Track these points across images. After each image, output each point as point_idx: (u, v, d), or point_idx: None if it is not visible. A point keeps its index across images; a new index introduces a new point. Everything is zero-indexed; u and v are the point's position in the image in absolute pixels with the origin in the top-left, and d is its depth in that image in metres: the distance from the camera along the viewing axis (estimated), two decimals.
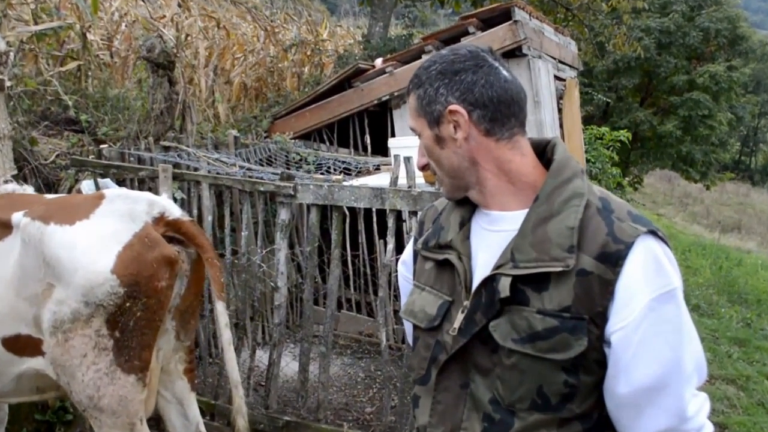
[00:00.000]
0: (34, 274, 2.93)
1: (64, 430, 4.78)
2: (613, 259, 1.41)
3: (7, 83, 4.76)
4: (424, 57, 6.56)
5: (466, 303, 1.53)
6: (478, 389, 1.53)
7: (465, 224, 1.62)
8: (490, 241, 1.56)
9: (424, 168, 1.68)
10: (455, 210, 1.67)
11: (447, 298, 1.60)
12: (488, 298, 1.49)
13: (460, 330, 1.53)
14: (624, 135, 11.55)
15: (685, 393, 1.43)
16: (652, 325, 1.40)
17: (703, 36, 16.33)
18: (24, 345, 3.04)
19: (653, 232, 1.45)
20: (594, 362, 1.45)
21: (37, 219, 2.96)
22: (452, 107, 1.52)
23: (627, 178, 17.10)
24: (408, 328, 1.85)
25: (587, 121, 14.11)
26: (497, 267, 1.49)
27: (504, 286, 1.45)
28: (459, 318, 1.54)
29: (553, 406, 1.46)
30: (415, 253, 1.79)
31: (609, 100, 14.91)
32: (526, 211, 1.51)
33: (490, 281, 1.49)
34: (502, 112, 1.53)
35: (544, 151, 1.61)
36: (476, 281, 1.54)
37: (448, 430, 1.57)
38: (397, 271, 4.40)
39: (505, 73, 1.55)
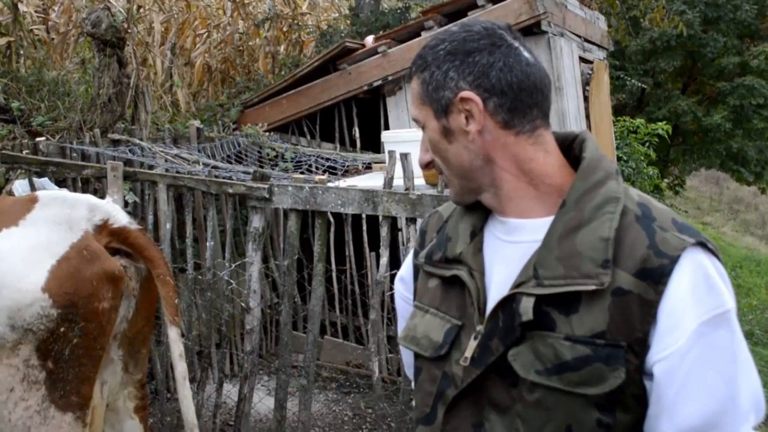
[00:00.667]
0: None
1: None
2: (656, 276, 1.38)
3: None
4: (425, 34, 6.59)
5: (480, 328, 1.50)
6: (494, 430, 1.49)
7: (477, 234, 1.59)
8: (508, 254, 1.53)
9: (427, 166, 1.64)
10: (465, 217, 1.64)
11: (456, 322, 1.56)
12: (507, 322, 1.45)
13: (473, 360, 1.49)
14: (663, 128, 11.53)
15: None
16: (701, 354, 1.36)
17: (758, 10, 16.28)
18: None
19: (702, 244, 1.41)
20: (632, 397, 1.41)
21: None
22: (464, 94, 1.49)
23: (666, 180, 17.12)
24: (407, 357, 1.81)
25: (619, 111, 14.10)
26: (517, 285, 1.45)
27: (526, 308, 1.41)
28: (471, 345, 1.50)
29: None
30: (416, 268, 1.76)
31: (645, 86, 14.91)
32: (550, 218, 1.48)
33: (509, 302, 1.45)
34: (522, 101, 1.49)
35: (570, 148, 1.58)
36: (492, 302, 1.50)
37: None
38: (392, 290, 4.39)
39: (526, 54, 1.51)
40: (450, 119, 1.51)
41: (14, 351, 2.82)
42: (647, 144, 11.16)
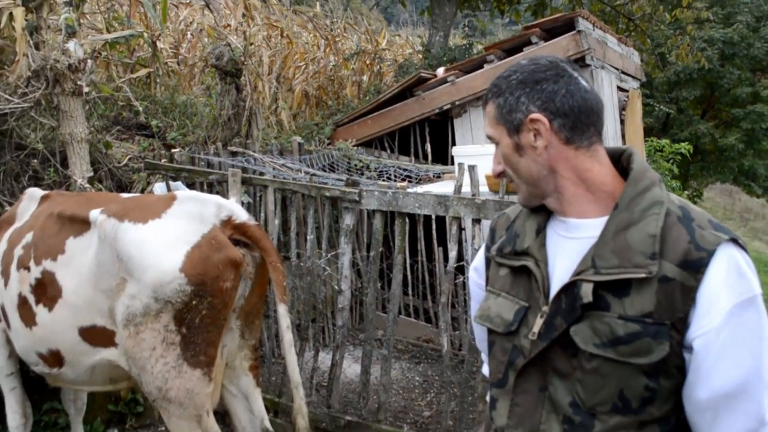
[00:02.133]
0: (109, 268, 3.00)
1: (135, 421, 4.88)
2: (696, 266, 1.41)
3: (85, 89, 4.89)
4: (486, 66, 6.54)
5: (545, 308, 1.54)
6: (557, 392, 1.52)
7: (541, 231, 1.63)
8: (568, 248, 1.56)
9: (499, 175, 1.67)
10: (531, 218, 1.67)
11: (523, 303, 1.60)
12: (569, 304, 1.49)
13: (540, 334, 1.53)
14: (685, 148, 11.25)
15: (764, 399, 1.41)
16: (733, 332, 1.39)
17: None
18: (99, 336, 3.12)
19: (734, 240, 1.44)
20: (674, 367, 1.44)
21: (112, 216, 3.04)
22: (534, 115, 1.54)
23: (686, 192, 16.65)
24: (479, 332, 1.85)
25: (647, 133, 13.75)
26: (577, 273, 1.48)
27: (586, 292, 1.45)
28: (538, 323, 1.54)
29: (633, 409, 1.45)
30: (488, 260, 1.79)
31: (670, 112, 14.53)
32: (604, 218, 1.52)
33: (570, 287, 1.49)
34: (582, 121, 1.54)
35: (618, 160, 1.62)
36: (554, 287, 1.54)
37: None
38: (458, 278, 4.36)
39: (584, 83, 1.56)
40: (521, 137, 1.56)
41: (157, 318, 2.88)
42: (671, 161, 10.90)
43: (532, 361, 1.56)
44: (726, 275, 1.40)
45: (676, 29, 12.75)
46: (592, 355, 1.45)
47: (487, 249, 1.80)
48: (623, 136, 7.26)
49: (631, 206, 1.48)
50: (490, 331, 1.69)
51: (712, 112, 17.68)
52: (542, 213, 1.65)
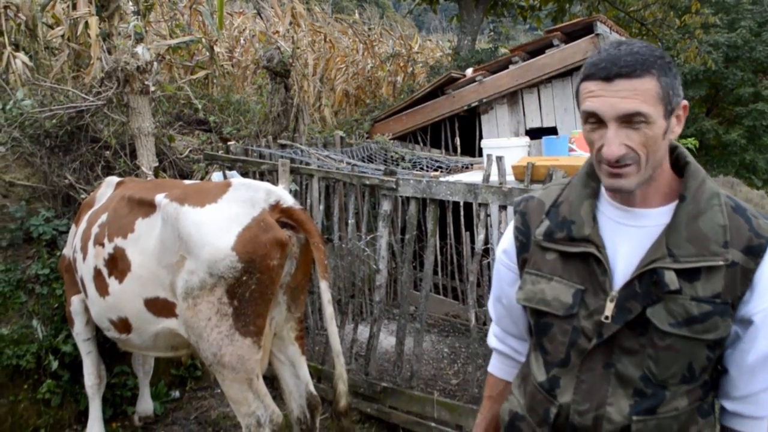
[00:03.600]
0: (171, 246, 3.00)
1: (194, 384, 4.92)
2: (756, 252, 1.42)
3: (151, 88, 4.89)
4: (512, 67, 6.40)
5: (613, 293, 1.47)
6: (626, 368, 1.48)
7: (595, 218, 1.54)
8: (631, 235, 1.50)
9: (617, 161, 1.41)
10: (584, 204, 1.56)
11: (579, 286, 1.53)
12: (644, 289, 1.44)
13: (613, 317, 1.47)
14: (691, 143, 10.96)
15: None
16: None
17: None
18: (161, 307, 3.13)
19: None
20: (725, 339, 1.46)
21: (174, 200, 3.04)
22: (684, 102, 1.46)
23: None
24: (514, 311, 1.77)
25: None
26: (652, 261, 1.43)
27: (671, 279, 1.42)
28: (609, 306, 1.47)
29: (696, 378, 1.48)
30: (523, 244, 1.68)
31: None
32: (664, 209, 1.49)
33: (647, 273, 1.44)
34: None
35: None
36: (620, 272, 1.48)
37: (593, 406, 1.51)
38: (484, 260, 4.26)
39: None
40: (671, 120, 1.44)
41: (212, 291, 2.87)
42: None
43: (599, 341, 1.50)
44: None
45: (685, 33, 12.42)
46: (666, 334, 1.43)
47: (520, 233, 1.69)
48: None
49: (696, 197, 1.45)
50: (544, 314, 1.58)
51: (716, 111, 17.28)
52: (592, 199, 1.56)
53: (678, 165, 1.53)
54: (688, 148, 10.08)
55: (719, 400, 1.57)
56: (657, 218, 1.48)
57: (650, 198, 1.50)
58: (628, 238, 1.49)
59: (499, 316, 1.85)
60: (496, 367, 1.92)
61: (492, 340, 1.91)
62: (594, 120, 1.42)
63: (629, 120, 1.38)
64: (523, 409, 1.68)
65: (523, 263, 1.67)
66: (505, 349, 1.88)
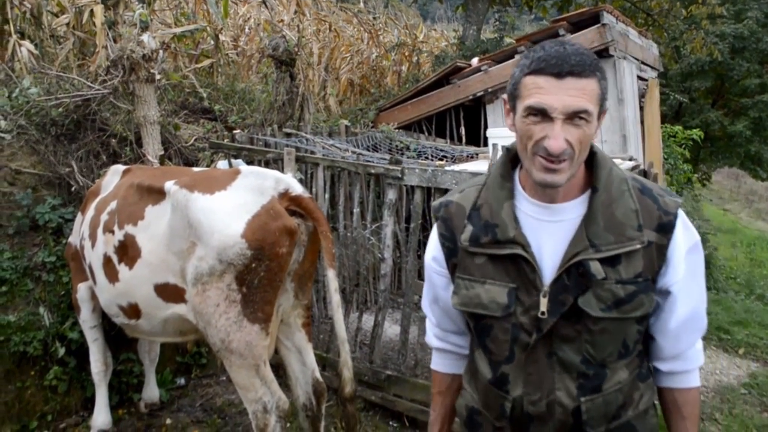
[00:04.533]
0: (181, 233, 3.03)
1: (200, 371, 4.96)
2: (667, 228, 1.53)
3: (157, 77, 4.91)
4: (517, 57, 6.40)
5: (545, 288, 1.53)
6: (566, 355, 1.56)
7: (515, 218, 1.58)
8: (552, 230, 1.56)
9: (561, 153, 1.45)
10: (504, 206, 1.60)
11: (512, 285, 1.58)
12: (574, 281, 1.51)
13: (548, 312, 1.53)
14: (696, 134, 10.99)
15: (704, 314, 1.65)
16: (690, 272, 1.57)
17: None
18: (171, 292, 3.17)
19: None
20: (650, 312, 1.58)
21: (184, 187, 3.06)
22: (606, 109, 1.57)
23: (696, 174, 16.29)
24: (452, 315, 1.83)
25: (661, 120, 13.46)
26: (576, 254, 1.50)
27: (597, 269, 1.49)
28: (543, 302, 1.54)
29: (631, 352, 1.60)
30: (450, 250, 1.70)
31: (683, 101, 14.15)
32: (578, 200, 1.55)
33: (574, 266, 1.51)
34: None
35: None
36: (548, 268, 1.54)
37: (544, 395, 1.59)
38: None
39: None
40: (599, 122, 1.51)
41: (221, 278, 2.90)
42: (683, 146, 10.66)
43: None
44: (683, 230, 1.56)
45: (691, 24, 12.38)
46: (599, 319, 1.52)
47: (445, 239, 1.71)
48: (642, 122, 7.07)
49: (607, 186, 1.53)
50: (482, 317, 1.63)
51: (722, 102, 17.20)
52: (510, 200, 1.60)
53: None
54: (692, 139, 10.03)
55: (652, 363, 1.71)
56: (573, 210, 1.55)
57: (568, 192, 1.56)
58: (549, 233, 1.56)
59: (438, 318, 1.90)
60: (440, 364, 1.98)
61: (433, 341, 1.97)
62: (537, 114, 1.44)
63: (573, 117, 1.43)
64: (479, 404, 1.74)
65: (453, 268, 1.71)
66: (447, 346, 1.93)
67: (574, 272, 1.50)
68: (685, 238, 1.55)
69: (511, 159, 1.67)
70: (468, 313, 1.67)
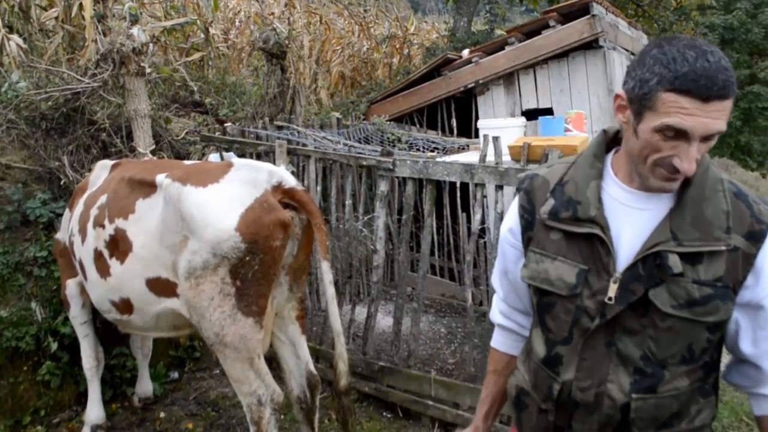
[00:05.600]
0: (173, 227, 3.02)
1: (193, 365, 4.96)
2: (757, 237, 1.47)
3: (147, 70, 4.89)
4: (508, 48, 6.41)
5: (617, 274, 1.50)
6: (626, 348, 1.52)
7: (600, 200, 1.56)
8: (635, 218, 1.53)
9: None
10: (590, 184, 1.58)
11: (582, 266, 1.56)
12: (648, 271, 1.48)
13: (616, 299, 1.50)
14: None
15: None
16: None
17: (765, 32, 15.41)
18: (163, 286, 3.16)
19: None
20: (725, 322, 1.51)
21: (176, 180, 3.05)
22: None
23: None
24: (518, 288, 1.81)
25: None
26: (656, 244, 1.46)
27: (675, 263, 1.45)
28: (612, 288, 1.51)
29: (696, 359, 1.52)
30: (528, 222, 1.69)
31: None
32: (666, 194, 1.51)
33: (651, 256, 1.47)
34: None
35: None
36: (624, 254, 1.52)
37: (595, 384, 1.55)
38: (480, 240, 4.28)
39: None
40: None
41: (215, 271, 2.90)
42: None
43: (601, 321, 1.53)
44: None
45: (681, 15, 12.41)
46: (667, 315, 1.47)
47: (525, 211, 1.70)
48: None
49: (700, 183, 1.48)
50: (547, 293, 1.62)
51: None
52: (598, 180, 1.58)
53: None
54: None
55: (757, 390, 1.58)
56: (661, 202, 1.51)
57: None
58: (632, 220, 1.52)
59: (505, 293, 1.89)
60: (500, 342, 1.97)
61: (497, 317, 1.95)
62: (674, 134, 1.38)
63: (708, 138, 1.39)
64: (529, 385, 1.72)
65: (527, 241, 1.70)
66: (511, 325, 1.92)
67: (650, 262, 1.47)
68: None
69: (608, 141, 1.65)
70: (534, 287, 1.65)
